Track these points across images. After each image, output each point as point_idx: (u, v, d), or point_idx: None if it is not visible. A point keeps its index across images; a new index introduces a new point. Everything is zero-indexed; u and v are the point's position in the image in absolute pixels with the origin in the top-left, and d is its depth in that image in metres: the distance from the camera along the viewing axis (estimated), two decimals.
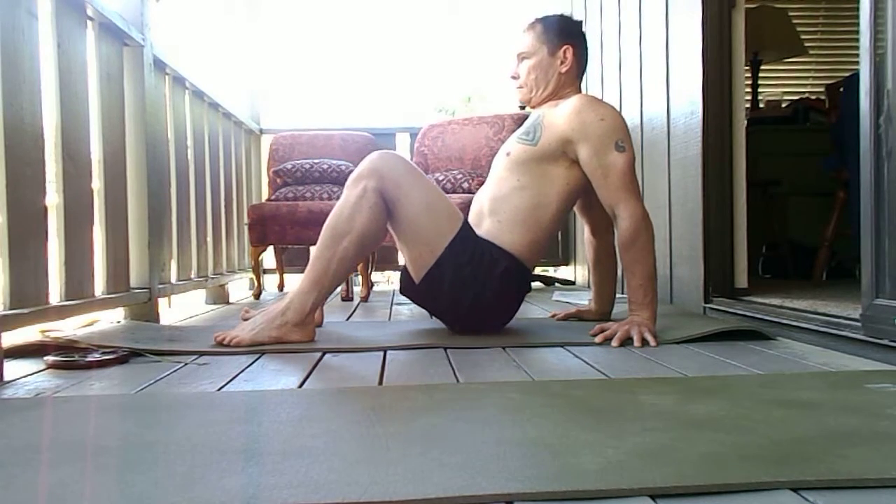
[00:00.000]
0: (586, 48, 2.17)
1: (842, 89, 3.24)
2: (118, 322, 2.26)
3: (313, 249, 1.96)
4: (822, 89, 4.21)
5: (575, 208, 2.32)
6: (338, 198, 3.92)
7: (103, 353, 1.71)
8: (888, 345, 1.58)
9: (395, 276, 5.51)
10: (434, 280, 1.97)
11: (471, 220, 2.13)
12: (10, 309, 1.59)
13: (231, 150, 3.71)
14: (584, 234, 2.37)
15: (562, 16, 2.16)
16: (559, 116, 2.02)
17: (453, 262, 1.94)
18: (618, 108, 2.41)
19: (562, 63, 2.10)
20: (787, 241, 3.69)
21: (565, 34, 2.11)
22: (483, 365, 1.62)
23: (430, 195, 1.96)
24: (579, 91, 2.15)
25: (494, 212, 2.07)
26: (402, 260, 4.58)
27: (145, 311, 2.40)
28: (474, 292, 1.97)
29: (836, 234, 3.25)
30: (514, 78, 2.17)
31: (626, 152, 1.96)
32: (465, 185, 3.51)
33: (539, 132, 2.04)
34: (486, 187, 2.16)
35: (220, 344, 1.84)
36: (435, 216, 1.95)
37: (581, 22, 2.20)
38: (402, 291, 2.16)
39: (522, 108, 4.36)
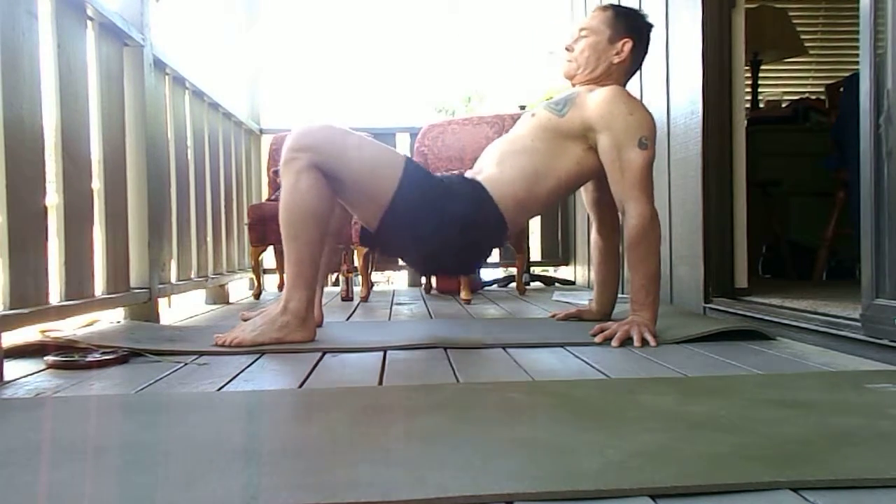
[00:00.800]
0: (645, 52, 2.17)
1: (842, 89, 3.24)
2: (118, 322, 2.26)
3: None
4: (822, 89, 4.21)
5: (584, 201, 2.32)
6: None
7: (103, 353, 1.71)
8: (888, 345, 1.58)
9: (395, 276, 5.51)
10: (391, 224, 1.93)
11: (475, 167, 2.11)
12: (10, 309, 1.59)
13: (231, 150, 3.71)
14: (588, 233, 2.37)
15: (637, 12, 2.16)
16: (591, 100, 2.01)
17: (406, 203, 1.91)
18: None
19: (617, 54, 2.09)
20: (787, 241, 3.69)
21: (631, 29, 2.11)
22: (483, 365, 1.62)
23: (365, 150, 1.92)
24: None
25: (501, 163, 2.06)
26: (401, 260, 4.60)
27: (145, 311, 2.40)
28: (435, 225, 1.93)
29: (836, 234, 3.25)
30: (567, 50, 2.16)
31: (647, 150, 1.96)
32: None
33: (568, 107, 2.04)
34: (502, 141, 2.14)
35: (221, 346, 1.84)
36: (376, 169, 1.92)
37: (653, 26, 2.18)
38: (361, 242, 2.13)
39: (522, 108, 4.35)
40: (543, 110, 2.08)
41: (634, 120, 1.97)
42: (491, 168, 2.07)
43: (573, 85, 2.19)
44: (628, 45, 2.09)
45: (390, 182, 1.90)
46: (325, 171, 1.85)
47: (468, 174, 2.12)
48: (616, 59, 2.10)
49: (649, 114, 2.02)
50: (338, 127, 1.91)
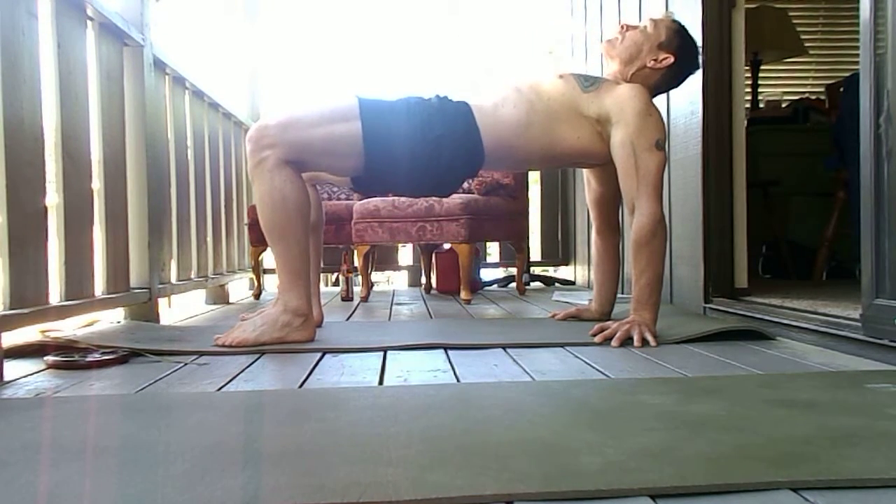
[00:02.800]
0: (682, 80, 2.18)
1: (842, 89, 3.24)
2: (118, 322, 2.26)
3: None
4: (822, 89, 4.21)
5: (587, 199, 2.33)
6: (337, 197, 3.92)
7: (103, 353, 1.71)
8: (888, 345, 1.58)
9: (395, 276, 5.51)
10: (375, 166, 1.95)
11: (484, 96, 2.07)
12: (10, 309, 1.59)
13: (231, 150, 3.71)
14: (589, 234, 2.37)
15: (697, 48, 2.17)
16: (614, 91, 2.02)
17: (379, 142, 1.92)
18: None
19: (655, 61, 2.10)
20: (787, 241, 3.69)
21: (680, 50, 2.11)
22: (483, 365, 1.62)
23: (321, 121, 1.92)
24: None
25: (504, 100, 2.03)
26: (401, 260, 4.61)
27: (145, 311, 2.40)
28: (411, 147, 1.94)
29: (836, 234, 3.24)
30: (622, 27, 2.15)
31: (662, 153, 1.98)
32: (465, 184, 3.50)
33: (593, 87, 2.04)
34: (518, 82, 2.10)
35: (222, 346, 1.83)
36: (337, 131, 1.91)
37: (698, 68, 2.19)
38: (356, 189, 2.13)
39: None
40: (571, 77, 2.07)
41: (653, 121, 1.98)
42: (491, 100, 2.04)
43: (608, 60, 2.20)
44: (667, 61, 2.09)
45: (355, 135, 1.91)
46: (294, 161, 1.88)
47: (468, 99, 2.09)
48: (650, 64, 2.10)
49: (663, 119, 2.05)
50: (287, 112, 1.93)
